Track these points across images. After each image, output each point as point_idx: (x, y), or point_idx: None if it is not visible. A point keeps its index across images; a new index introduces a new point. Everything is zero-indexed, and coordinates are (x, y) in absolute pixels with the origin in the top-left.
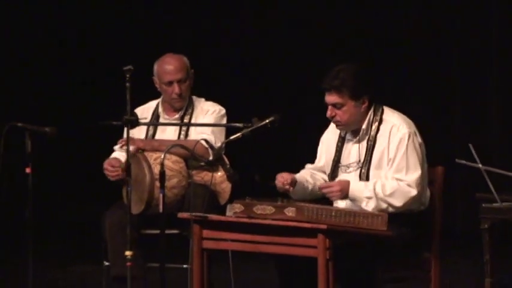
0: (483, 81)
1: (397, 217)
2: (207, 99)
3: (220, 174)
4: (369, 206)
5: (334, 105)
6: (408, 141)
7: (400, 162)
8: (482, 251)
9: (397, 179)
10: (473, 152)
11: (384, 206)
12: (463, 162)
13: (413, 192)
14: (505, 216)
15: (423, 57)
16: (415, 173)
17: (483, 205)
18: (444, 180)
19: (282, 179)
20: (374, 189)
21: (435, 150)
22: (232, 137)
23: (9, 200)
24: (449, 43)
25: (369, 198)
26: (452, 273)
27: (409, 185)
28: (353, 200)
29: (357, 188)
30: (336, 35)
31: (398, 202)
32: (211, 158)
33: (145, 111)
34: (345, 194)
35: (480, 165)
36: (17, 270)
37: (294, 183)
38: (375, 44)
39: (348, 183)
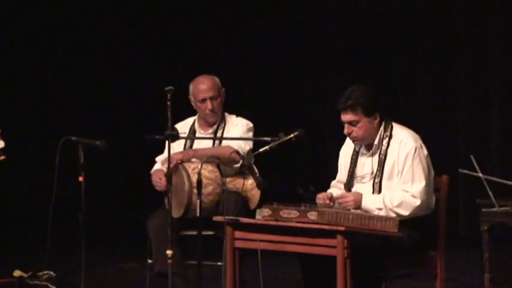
0: (484, 98)
1: (407, 220)
2: (237, 115)
3: (250, 182)
4: (380, 214)
5: (350, 123)
6: (414, 154)
7: (407, 174)
8: (482, 250)
9: (404, 190)
10: (474, 162)
11: (393, 215)
12: (466, 171)
13: (418, 202)
14: (503, 219)
15: (432, 77)
16: (419, 185)
17: (483, 210)
18: (448, 188)
19: (322, 199)
20: (383, 201)
21: (441, 161)
22: (261, 150)
23: (64, 205)
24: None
25: (380, 209)
26: (455, 270)
27: (413, 196)
28: (366, 210)
29: (369, 200)
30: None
31: (405, 212)
32: (239, 164)
33: (183, 127)
34: (357, 205)
35: (480, 175)
36: (72, 267)
37: (333, 200)
38: (387, 63)
39: (360, 195)
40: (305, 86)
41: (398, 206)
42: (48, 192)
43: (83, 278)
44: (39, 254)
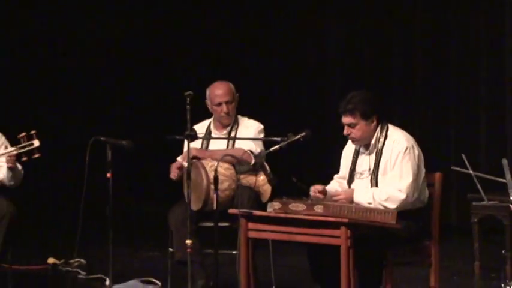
0: (473, 103)
1: (404, 213)
2: (249, 118)
3: (262, 178)
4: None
5: (349, 125)
6: (405, 153)
7: (396, 171)
8: (473, 240)
9: (392, 185)
10: (465, 160)
11: (382, 208)
12: (457, 169)
13: (403, 196)
14: (491, 212)
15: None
16: (406, 180)
17: (473, 203)
18: (442, 183)
19: (315, 189)
20: (372, 196)
21: (435, 159)
22: (271, 149)
23: (93, 199)
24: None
25: (369, 203)
26: (448, 258)
27: (400, 190)
28: (357, 204)
29: (359, 195)
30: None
31: (392, 205)
32: (253, 162)
33: (200, 128)
34: (349, 201)
35: (471, 171)
36: (101, 255)
37: (324, 192)
38: (386, 71)
39: (352, 191)
40: (310, 90)
41: (386, 200)
42: (79, 187)
43: (110, 265)
44: (71, 243)
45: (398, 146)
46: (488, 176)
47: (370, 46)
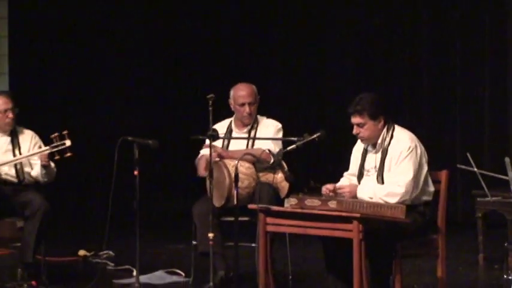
0: (478, 104)
1: (412, 208)
2: (268, 117)
3: (280, 175)
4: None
5: (358, 125)
6: (407, 152)
7: (398, 168)
8: (477, 233)
9: (392, 181)
10: (470, 159)
11: (382, 202)
12: (463, 167)
13: (401, 190)
14: (494, 207)
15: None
16: (407, 176)
17: (477, 199)
18: (448, 180)
19: (326, 189)
20: (374, 191)
21: (441, 158)
22: (289, 148)
23: (121, 195)
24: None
25: (370, 198)
26: (454, 250)
27: (399, 185)
28: (360, 198)
29: (362, 190)
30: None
31: (391, 200)
32: (271, 161)
33: (221, 127)
34: (353, 195)
35: (475, 169)
36: (128, 247)
37: (335, 191)
38: (396, 74)
39: (356, 186)
40: (323, 92)
41: (386, 195)
42: (107, 184)
43: (137, 257)
44: (100, 236)
45: (403, 145)
46: (491, 174)
47: (380, 50)
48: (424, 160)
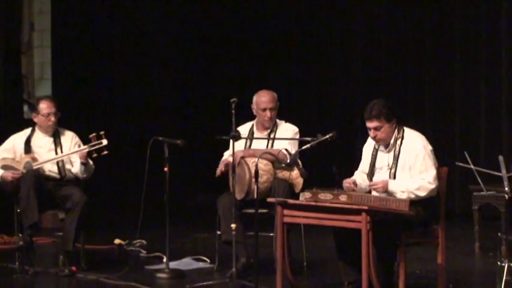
0: (474, 108)
1: (416, 201)
2: (286, 121)
3: (295, 172)
4: (402, 196)
5: (376, 128)
6: (424, 151)
7: (421, 166)
8: (473, 224)
9: (421, 178)
10: (467, 157)
11: (412, 196)
12: (461, 164)
13: (432, 186)
14: (489, 201)
15: (434, 91)
16: (432, 172)
17: (474, 193)
18: (448, 176)
19: (348, 183)
20: (406, 186)
21: (441, 156)
22: (303, 147)
23: (153, 189)
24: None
25: (402, 192)
26: (452, 240)
27: (429, 182)
28: (391, 193)
29: (394, 185)
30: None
31: (422, 193)
32: (288, 161)
33: (244, 129)
34: (385, 190)
35: (472, 166)
36: (159, 237)
37: (355, 184)
38: (400, 79)
39: (387, 182)
40: (336, 97)
41: (417, 189)
42: (140, 179)
43: (167, 245)
44: (134, 226)
45: (417, 145)
46: (486, 171)
47: (385, 58)
48: (434, 156)
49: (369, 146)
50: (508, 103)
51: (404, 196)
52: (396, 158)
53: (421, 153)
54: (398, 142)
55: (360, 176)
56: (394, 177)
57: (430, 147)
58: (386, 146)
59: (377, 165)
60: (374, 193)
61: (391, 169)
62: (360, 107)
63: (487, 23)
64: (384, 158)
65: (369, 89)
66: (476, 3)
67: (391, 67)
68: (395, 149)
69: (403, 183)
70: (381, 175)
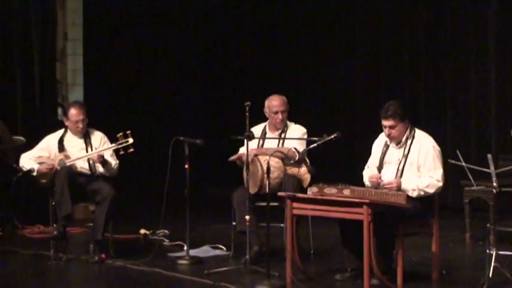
0: (465, 110)
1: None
2: (295, 123)
3: (303, 169)
4: (413, 194)
5: (391, 127)
6: (433, 150)
7: (430, 165)
8: (464, 216)
9: (430, 176)
10: (459, 155)
11: (422, 193)
12: (453, 161)
13: (440, 184)
14: (479, 195)
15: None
16: (439, 170)
17: (465, 188)
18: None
19: (373, 178)
20: (416, 184)
21: None
22: (310, 146)
23: (175, 184)
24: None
25: (413, 189)
26: (445, 230)
27: (437, 180)
28: (404, 190)
29: (406, 183)
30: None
31: (430, 191)
32: (297, 158)
33: (257, 129)
34: (398, 187)
35: (464, 164)
36: (180, 227)
37: (381, 179)
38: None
39: (400, 181)
40: (340, 101)
41: (427, 187)
42: (163, 175)
43: (187, 234)
44: (158, 218)
45: (427, 145)
46: (477, 167)
47: (385, 63)
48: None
49: (379, 142)
50: (497, 106)
51: (415, 194)
52: (406, 155)
53: (431, 152)
54: (409, 141)
55: (370, 171)
56: (402, 172)
57: (438, 148)
58: (398, 143)
59: (386, 159)
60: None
61: (399, 164)
62: (361, 111)
63: (476, 26)
64: (394, 154)
65: (367, 92)
66: (466, 7)
67: (388, 72)
68: (405, 147)
69: (413, 182)
70: (390, 169)
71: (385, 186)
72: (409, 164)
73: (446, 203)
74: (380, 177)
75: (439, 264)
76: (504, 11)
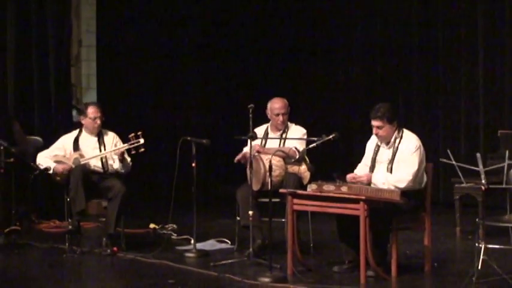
0: (455, 112)
1: (406, 192)
2: (296, 124)
3: (303, 167)
4: (384, 187)
5: (378, 127)
6: (414, 150)
7: (406, 161)
8: (455, 211)
9: (402, 171)
10: (450, 154)
11: (392, 187)
12: (444, 160)
13: (409, 178)
14: (468, 191)
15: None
16: (412, 168)
17: (455, 185)
18: (433, 171)
19: (351, 177)
20: (386, 178)
21: (427, 153)
22: (310, 146)
23: (182, 181)
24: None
25: (383, 183)
26: (437, 225)
27: (408, 174)
28: (374, 184)
29: (376, 178)
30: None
31: (400, 185)
32: (297, 157)
33: (260, 130)
34: (368, 182)
35: (454, 162)
36: (188, 222)
37: (355, 178)
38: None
39: (370, 175)
40: (338, 103)
41: (396, 181)
42: (172, 173)
43: (194, 229)
44: (166, 213)
45: (411, 145)
46: (466, 166)
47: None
48: (424, 157)
49: (372, 142)
50: (484, 108)
51: (385, 187)
52: (394, 154)
53: (412, 150)
54: (397, 141)
55: (362, 169)
56: (391, 171)
57: (422, 149)
58: (387, 143)
59: (378, 159)
60: (373, 185)
61: (389, 163)
62: (358, 113)
63: (466, 27)
64: (385, 154)
65: (363, 96)
66: (456, 7)
67: (382, 76)
68: (394, 147)
69: (383, 176)
70: (381, 168)
71: (357, 179)
72: (397, 162)
73: (438, 199)
74: (354, 177)
75: (431, 257)
76: (492, 12)
